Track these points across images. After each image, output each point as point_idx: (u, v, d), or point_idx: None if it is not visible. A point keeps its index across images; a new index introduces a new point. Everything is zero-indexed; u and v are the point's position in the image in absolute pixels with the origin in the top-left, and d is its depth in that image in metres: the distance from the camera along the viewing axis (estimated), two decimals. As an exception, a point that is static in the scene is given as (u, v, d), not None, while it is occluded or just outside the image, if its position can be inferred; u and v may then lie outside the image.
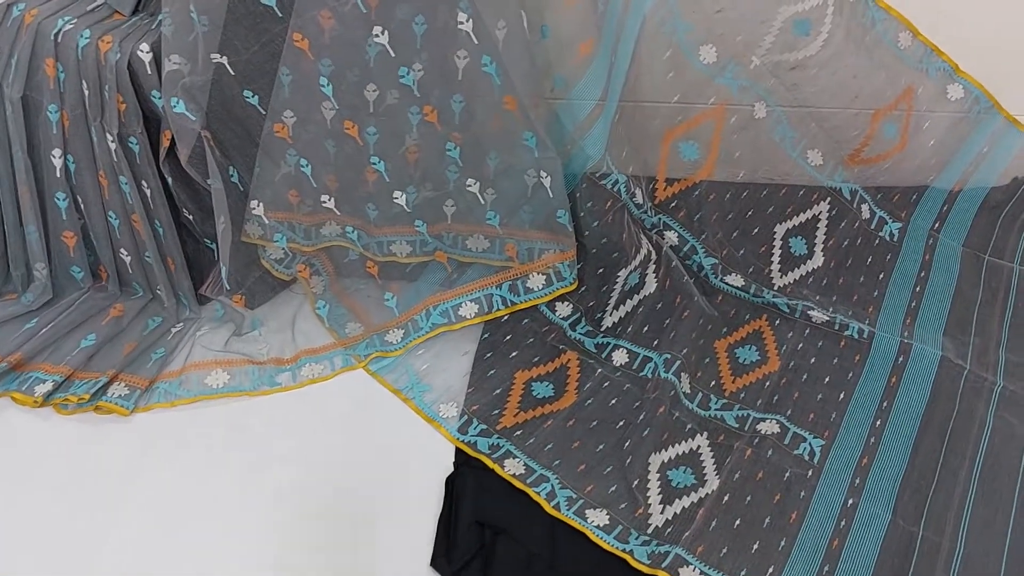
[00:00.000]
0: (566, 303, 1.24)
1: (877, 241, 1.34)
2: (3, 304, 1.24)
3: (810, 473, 1.06)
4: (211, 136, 1.09)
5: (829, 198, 1.32)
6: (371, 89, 1.07)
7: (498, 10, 0.98)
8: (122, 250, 1.21)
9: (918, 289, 1.29)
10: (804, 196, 1.32)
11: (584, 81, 1.10)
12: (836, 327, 1.22)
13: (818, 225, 1.33)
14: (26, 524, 1.01)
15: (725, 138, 1.27)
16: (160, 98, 1.07)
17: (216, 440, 1.11)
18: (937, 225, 1.36)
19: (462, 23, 1.01)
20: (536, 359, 1.21)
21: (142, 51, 1.04)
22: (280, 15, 1.00)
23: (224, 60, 1.03)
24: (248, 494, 1.04)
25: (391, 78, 1.06)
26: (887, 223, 1.35)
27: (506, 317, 1.24)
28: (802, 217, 1.33)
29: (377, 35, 1.02)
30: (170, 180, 1.16)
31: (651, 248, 1.24)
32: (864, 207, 1.34)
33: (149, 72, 1.05)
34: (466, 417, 1.13)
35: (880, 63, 1.26)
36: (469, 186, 1.16)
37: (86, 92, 1.07)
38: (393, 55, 1.04)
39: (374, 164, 1.14)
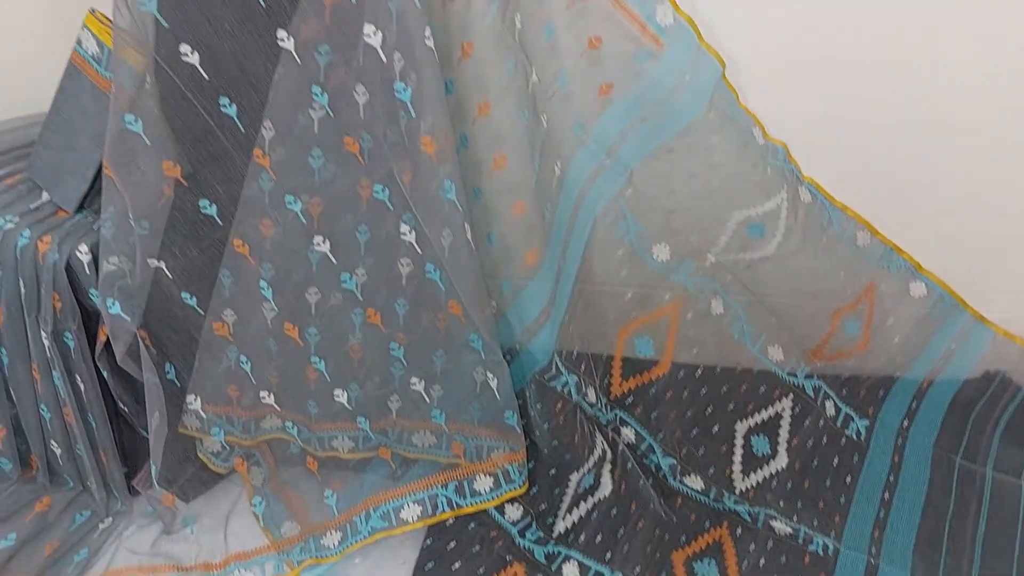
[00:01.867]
0: (516, 506, 1.18)
1: (843, 440, 1.29)
2: (-75, 495, 1.18)
3: None
4: (147, 335, 1.06)
5: (792, 394, 1.28)
6: (312, 292, 1.05)
7: (443, 220, 0.97)
8: (53, 442, 1.17)
9: (887, 496, 1.23)
10: (766, 392, 1.28)
11: (531, 288, 1.08)
12: (800, 541, 1.16)
13: (781, 423, 1.28)
14: None
15: (682, 333, 1.24)
16: (97, 296, 1.05)
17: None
18: (906, 423, 1.31)
19: (405, 234, 0.99)
20: (481, 571, 1.14)
21: (81, 252, 1.02)
22: (221, 223, 0.99)
23: (162, 264, 1.01)
24: None
25: (333, 283, 1.04)
26: (853, 420, 1.30)
27: (451, 520, 1.18)
28: (764, 415, 1.28)
29: (318, 244, 1.01)
30: (106, 373, 1.12)
31: (606, 447, 1.19)
32: (828, 403, 1.29)
33: (88, 272, 1.04)
34: (401, 638, 1.05)
35: (839, 262, 1.24)
36: (413, 384, 1.13)
37: (23, 290, 1.05)
38: (335, 262, 1.02)
39: (315, 363, 1.10)
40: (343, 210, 1.00)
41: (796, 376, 1.28)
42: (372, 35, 0.86)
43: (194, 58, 0.88)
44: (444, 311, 1.06)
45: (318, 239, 1.00)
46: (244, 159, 0.95)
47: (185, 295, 1.04)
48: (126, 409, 1.17)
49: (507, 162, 1.01)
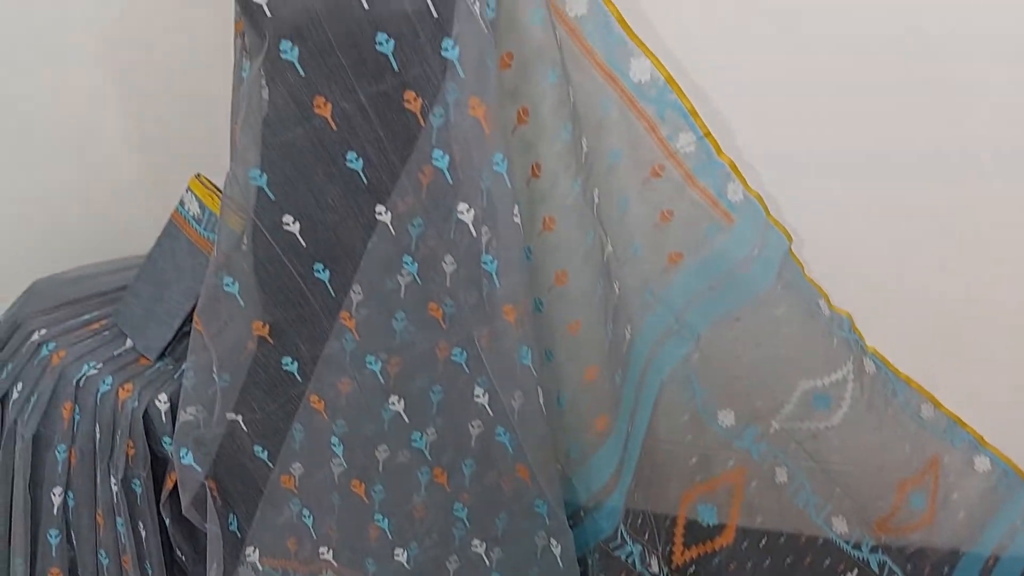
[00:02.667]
0: None
1: (911, 619, 1.24)
2: (-27, 638, 1.17)
3: None
4: (215, 485, 1.06)
5: (856, 569, 1.25)
6: (382, 449, 1.06)
7: (516, 384, 0.98)
8: (107, 589, 1.15)
9: None
10: (830, 566, 1.25)
11: (600, 454, 1.08)
12: None
13: (846, 600, 1.24)
14: None
15: (746, 501, 1.22)
16: (171, 444, 1.06)
17: None
18: (974, 605, 1.26)
19: (478, 396, 1.01)
20: None
21: (160, 401, 1.05)
22: (300, 380, 1.01)
23: (239, 418, 1.03)
24: None
25: (404, 441, 1.05)
26: (920, 598, 1.25)
27: None
28: (829, 590, 1.24)
29: (393, 403, 1.02)
30: (168, 521, 1.12)
31: (667, 620, 1.16)
32: (894, 580, 1.25)
33: (164, 421, 1.06)
34: None
35: (904, 434, 1.23)
36: (475, 546, 1.11)
37: (98, 435, 1.07)
38: (407, 420, 1.04)
39: (378, 521, 1.10)
40: (419, 370, 1.02)
41: (861, 549, 1.25)
42: (465, 212, 0.90)
43: (295, 227, 0.92)
44: (511, 474, 1.06)
45: (393, 398, 1.02)
46: (329, 321, 0.98)
47: (257, 448, 1.06)
48: (183, 558, 1.17)
49: (581, 327, 1.03)
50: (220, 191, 1.04)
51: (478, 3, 0.86)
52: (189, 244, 1.04)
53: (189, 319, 1.11)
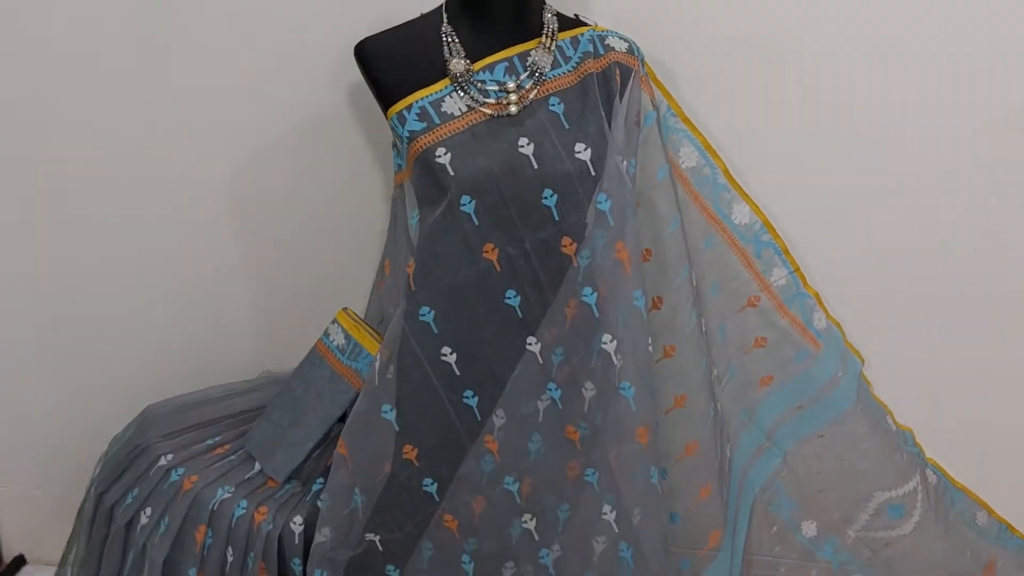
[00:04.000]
0: None
1: None
2: None
3: None
4: (345, 605, 1.10)
5: (931, 674, 1.32)
6: (509, 566, 1.11)
7: (638, 500, 1.06)
8: None
9: None
10: (906, 671, 1.32)
11: (713, 567, 1.15)
12: None
13: None
14: None
15: (830, 609, 1.30)
16: (299, 566, 1.10)
17: None
18: None
19: (606, 514, 1.08)
20: None
21: (295, 523, 1.09)
22: (437, 500, 1.07)
23: (376, 538, 1.08)
24: None
25: (531, 558, 1.11)
26: None
27: None
28: None
29: (526, 521, 1.09)
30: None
31: None
32: None
33: (297, 542, 1.09)
34: None
35: (964, 541, 1.33)
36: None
37: (229, 558, 1.10)
38: (537, 538, 1.10)
39: (502, 638, 1.14)
40: (549, 490, 1.09)
41: (933, 654, 1.32)
42: (609, 342, 1.00)
43: (451, 358, 1.01)
44: (630, 589, 1.12)
45: (526, 516, 1.09)
46: (470, 443, 1.05)
47: (390, 567, 1.10)
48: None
49: (698, 448, 1.12)
50: (366, 324, 1.12)
51: (625, 162, 0.98)
52: (332, 372, 1.11)
53: (320, 443, 1.17)
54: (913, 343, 1.27)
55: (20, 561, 1.58)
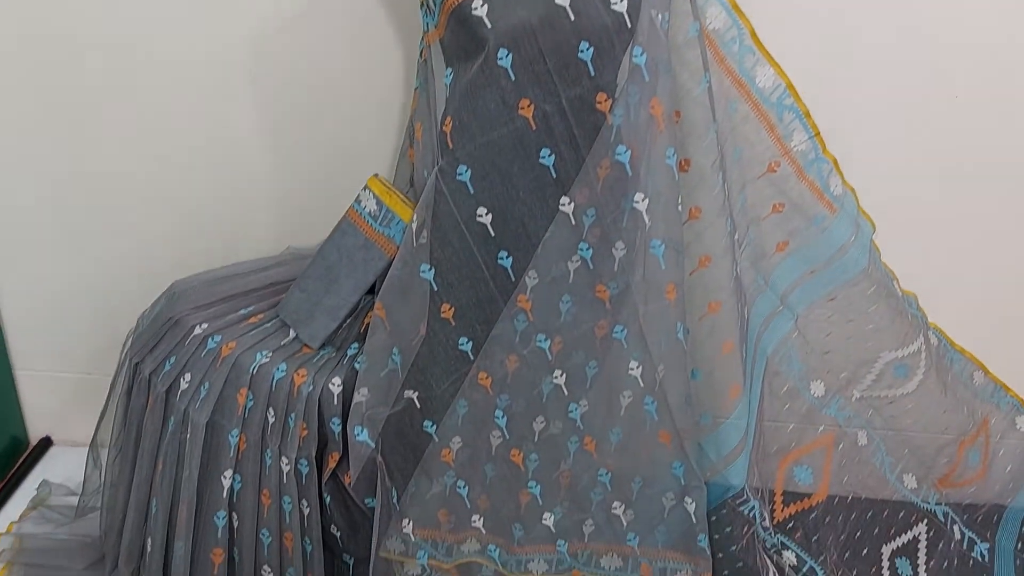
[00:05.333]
0: (696, 625, 1.26)
1: (971, 562, 1.41)
2: (130, 622, 1.21)
3: None
4: (384, 462, 1.15)
5: (926, 519, 1.41)
6: (539, 421, 1.17)
7: (664, 357, 1.11)
8: (265, 567, 1.22)
9: (1023, 614, 1.35)
10: (904, 517, 1.41)
11: (732, 419, 1.21)
12: (960, 654, 1.26)
13: (919, 546, 1.40)
14: None
15: (835, 463, 1.37)
16: (338, 425, 1.14)
17: None
18: (1020, 545, 1.45)
19: (632, 369, 1.13)
20: None
21: (334, 384, 1.13)
22: (472, 358, 1.11)
23: (415, 395, 1.12)
24: None
25: (560, 412, 1.16)
26: (977, 544, 1.43)
27: (639, 639, 1.25)
28: (904, 538, 1.40)
29: (556, 376, 1.13)
30: (328, 499, 1.20)
31: (775, 570, 1.29)
32: (955, 528, 1.42)
33: (336, 403, 1.13)
34: None
35: (961, 399, 1.41)
36: (614, 509, 1.23)
37: (270, 419, 1.14)
38: (567, 393, 1.15)
39: (530, 488, 1.20)
40: (579, 347, 1.13)
41: (929, 502, 1.41)
42: (641, 201, 1.03)
43: (487, 219, 1.03)
44: (653, 439, 1.18)
45: (557, 372, 1.13)
46: (503, 303, 1.09)
47: (427, 423, 1.15)
48: (336, 534, 1.24)
49: (721, 307, 1.16)
50: (397, 190, 1.14)
51: (660, 16, 0.99)
52: (365, 239, 1.13)
53: (354, 311, 1.20)
54: (917, 213, 1.31)
55: (47, 443, 1.61)
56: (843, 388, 1.36)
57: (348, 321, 1.21)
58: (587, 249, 1.07)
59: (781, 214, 1.24)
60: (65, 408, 1.58)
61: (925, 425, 1.40)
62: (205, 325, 1.19)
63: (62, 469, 1.51)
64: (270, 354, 1.16)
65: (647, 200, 1.03)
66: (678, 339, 1.11)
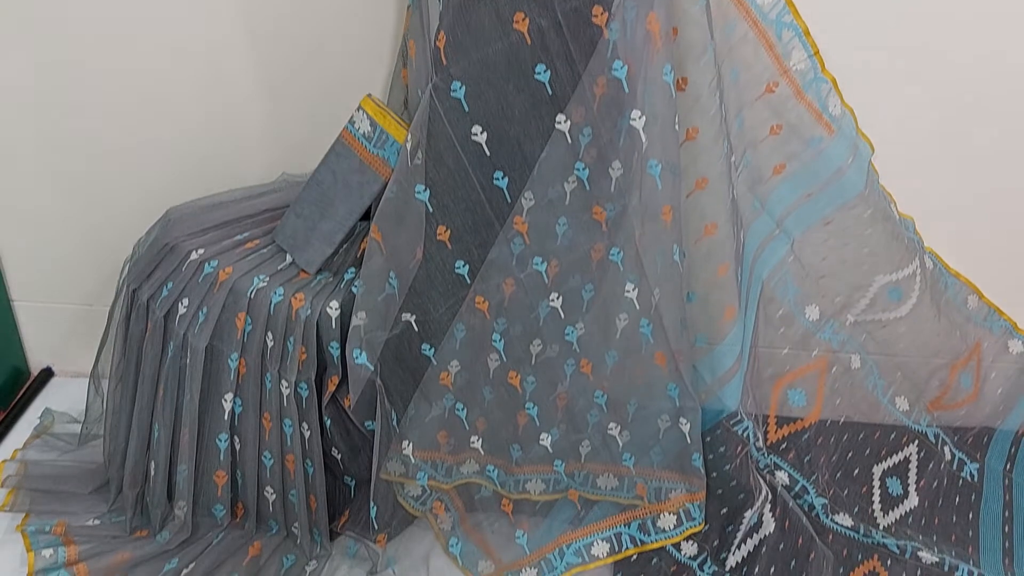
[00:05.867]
0: (691, 543, 1.30)
1: (961, 482, 1.44)
2: (138, 543, 1.24)
3: None
4: (383, 385, 1.16)
5: (917, 441, 1.43)
6: (536, 344, 1.18)
7: (660, 279, 1.12)
8: (268, 488, 1.24)
9: (1007, 529, 1.38)
10: (895, 439, 1.43)
11: (727, 341, 1.22)
12: (946, 568, 1.29)
13: (909, 467, 1.43)
14: None
15: (828, 386, 1.39)
16: (337, 348, 1.15)
17: None
18: (1009, 466, 1.48)
19: (628, 292, 1.13)
20: (671, 601, 1.24)
21: (331, 308, 1.13)
22: (468, 282, 1.12)
23: (412, 319, 1.13)
24: None
25: (557, 335, 1.17)
26: (967, 464, 1.46)
27: (635, 557, 1.28)
28: (895, 459, 1.43)
29: (553, 300, 1.14)
30: (328, 422, 1.22)
31: (768, 489, 1.32)
32: (946, 449, 1.45)
33: (334, 327, 1.14)
34: (618, 664, 1.14)
35: (954, 323, 1.42)
36: (610, 430, 1.24)
37: (269, 343, 1.15)
38: (563, 316, 1.15)
39: (528, 409, 1.22)
40: (575, 270, 1.13)
41: (920, 424, 1.44)
42: (637, 119, 1.02)
43: (482, 137, 1.02)
44: (649, 362, 1.19)
45: (553, 295, 1.14)
46: (500, 226, 1.09)
47: (425, 346, 1.16)
48: (337, 456, 1.27)
49: (717, 229, 1.16)
50: (391, 111, 1.12)
51: None
52: (359, 162, 1.12)
53: (350, 235, 1.20)
54: (916, 135, 1.30)
55: (48, 374, 1.62)
56: (838, 312, 1.37)
57: (344, 246, 1.21)
58: (583, 169, 1.06)
59: (778, 136, 1.23)
60: (65, 339, 1.59)
61: (918, 349, 1.41)
62: (201, 251, 1.19)
63: (64, 399, 1.53)
64: (267, 279, 1.16)
65: (644, 118, 1.02)
66: (674, 261, 1.11)
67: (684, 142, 1.13)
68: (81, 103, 1.33)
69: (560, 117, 1.02)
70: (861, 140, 1.26)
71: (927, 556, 1.30)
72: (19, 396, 1.54)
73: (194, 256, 1.18)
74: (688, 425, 1.22)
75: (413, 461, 1.25)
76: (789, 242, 1.30)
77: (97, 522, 1.26)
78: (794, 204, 1.28)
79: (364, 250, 1.13)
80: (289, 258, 1.20)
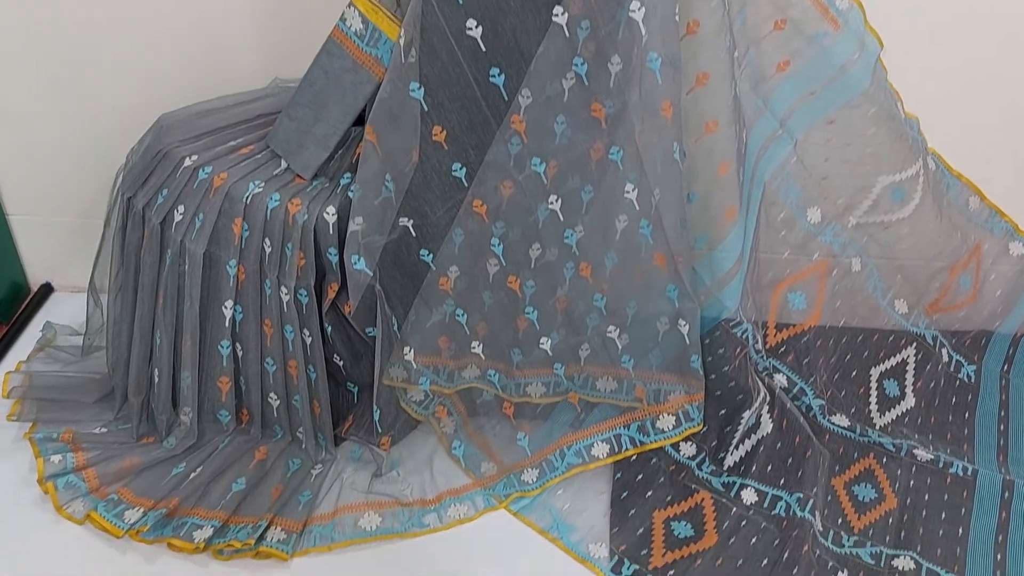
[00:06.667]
0: (690, 444, 1.32)
1: (958, 383, 1.46)
2: (145, 448, 1.26)
3: (953, 607, 1.13)
4: (383, 291, 1.16)
5: (915, 343, 1.44)
6: (535, 248, 1.17)
7: (661, 178, 1.10)
8: (272, 395, 1.26)
9: (1002, 428, 1.40)
10: (893, 341, 1.44)
11: (727, 241, 1.22)
12: (940, 465, 1.32)
13: (907, 368, 1.44)
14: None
15: (828, 289, 1.39)
16: (335, 255, 1.15)
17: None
18: (1006, 367, 1.49)
19: (628, 192, 1.12)
20: (669, 498, 1.27)
21: (328, 213, 1.12)
22: (466, 184, 1.10)
23: (410, 223, 1.12)
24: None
25: (556, 239, 1.16)
26: (964, 366, 1.47)
27: (634, 457, 1.30)
28: (893, 360, 1.44)
29: (552, 202, 1.13)
30: (329, 328, 1.22)
31: (766, 391, 1.33)
32: (944, 351, 1.46)
33: (331, 232, 1.13)
34: (617, 557, 1.18)
35: (955, 224, 1.41)
36: (609, 332, 1.25)
37: (267, 249, 1.15)
38: (562, 219, 1.14)
39: (528, 313, 1.22)
40: (574, 171, 1.12)
41: (918, 327, 1.44)
42: (637, 10, 0.99)
43: (477, 32, 1.00)
44: (648, 263, 1.19)
45: (552, 197, 1.12)
46: (497, 125, 1.07)
47: (423, 252, 1.15)
48: (339, 363, 1.27)
49: (718, 126, 1.14)
50: (383, 6, 1.09)
51: None
52: (352, 62, 1.09)
53: (345, 140, 1.18)
54: (926, 28, 1.26)
55: (48, 289, 1.62)
56: (840, 215, 1.36)
57: (340, 152, 1.19)
58: (582, 64, 1.04)
59: (782, 32, 1.20)
60: (63, 254, 1.59)
61: (919, 250, 1.40)
62: (195, 157, 1.18)
63: (64, 314, 1.53)
64: (263, 184, 1.15)
65: (643, 9, 0.99)
66: (674, 159, 1.09)
67: (685, 36, 1.10)
68: (70, 12, 1.29)
69: (558, 9, 0.99)
70: (869, 35, 1.23)
71: (922, 454, 1.33)
72: (20, 311, 1.55)
73: (188, 162, 1.17)
74: (687, 327, 1.23)
75: (415, 367, 1.25)
76: (792, 142, 1.28)
77: (104, 430, 1.28)
78: (797, 102, 1.25)
79: (360, 155, 1.11)
80: (284, 164, 1.19)
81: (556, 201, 1.13)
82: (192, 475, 1.22)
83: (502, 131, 1.07)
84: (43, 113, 1.40)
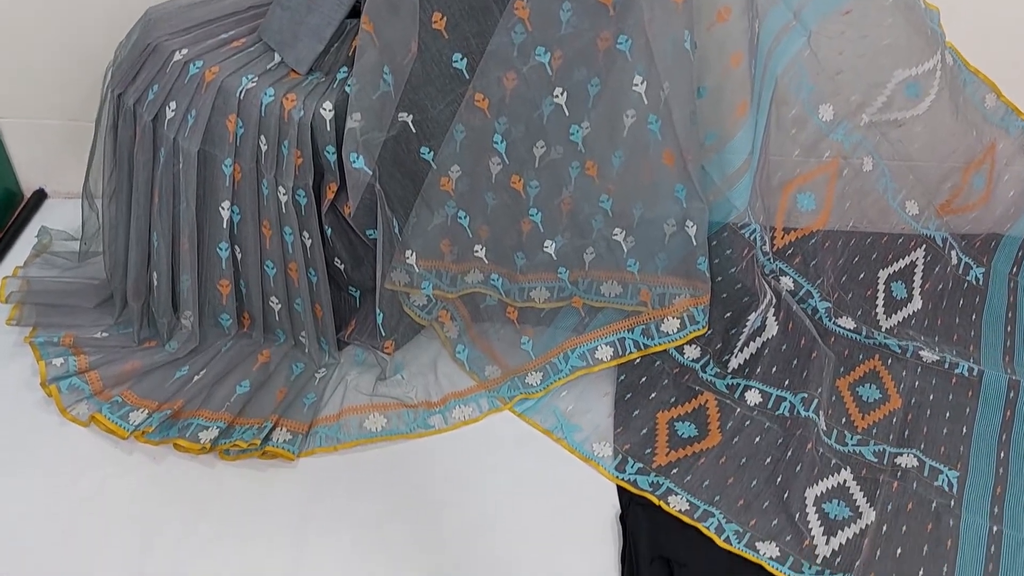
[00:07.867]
0: (694, 346, 1.31)
1: (966, 285, 1.44)
2: (147, 352, 1.26)
3: (952, 503, 1.14)
4: (383, 191, 1.13)
5: (924, 245, 1.42)
6: (539, 145, 1.14)
7: (671, 70, 1.06)
8: (273, 298, 1.24)
9: (1009, 329, 1.40)
10: (902, 243, 1.42)
11: (738, 138, 1.18)
12: (946, 366, 1.31)
13: (915, 271, 1.42)
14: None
15: (838, 190, 1.36)
16: (333, 153, 1.11)
17: (382, 484, 1.13)
18: (1015, 269, 1.47)
19: (636, 85, 1.08)
20: (673, 400, 1.27)
21: (325, 109, 1.09)
22: (467, 77, 1.06)
23: (409, 118, 1.08)
24: (423, 538, 1.07)
25: (561, 136, 1.13)
26: (972, 268, 1.45)
27: (638, 360, 1.30)
28: (901, 263, 1.42)
29: (557, 96, 1.09)
30: (329, 231, 1.20)
31: (773, 293, 1.32)
32: (953, 253, 1.44)
33: (328, 129, 1.10)
34: (621, 456, 1.18)
35: (971, 122, 1.37)
36: (615, 235, 1.22)
37: (263, 147, 1.11)
38: (568, 114, 1.11)
39: (532, 215, 1.19)
40: (579, 63, 1.07)
41: (928, 228, 1.42)
42: None
43: (478, -93, 0.94)
44: (656, 161, 1.15)
45: (557, 91, 1.08)
46: (499, 12, 1.02)
47: (424, 149, 1.12)
48: (340, 266, 1.25)
49: (731, 14, 1.09)
50: None
51: None
52: (347, -55, 1.04)
53: (340, 33, 1.13)
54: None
55: (41, 195, 1.59)
56: (853, 113, 1.31)
57: (336, 45, 1.15)
58: (589, -54, 0.98)
59: (799, -86, 1.13)
60: (55, 158, 1.55)
61: (933, 149, 1.37)
62: (185, 51, 1.13)
63: (59, 219, 1.50)
64: (256, 78, 1.11)
65: None
66: (685, 49, 1.05)
67: (696, -82, 1.04)
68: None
69: None
70: (888, -81, 1.16)
71: (928, 355, 1.32)
72: (14, 218, 1.52)
73: (178, 56, 1.12)
74: (694, 228, 1.20)
75: (417, 271, 1.24)
76: (806, 34, 1.23)
77: (105, 334, 1.27)
78: (812, -8, 1.19)
79: (356, 47, 1.07)
80: (278, 57, 1.14)
81: (561, 94, 1.09)
82: (196, 378, 1.21)
83: (505, 18, 1.02)
84: (27, 8, 1.34)
